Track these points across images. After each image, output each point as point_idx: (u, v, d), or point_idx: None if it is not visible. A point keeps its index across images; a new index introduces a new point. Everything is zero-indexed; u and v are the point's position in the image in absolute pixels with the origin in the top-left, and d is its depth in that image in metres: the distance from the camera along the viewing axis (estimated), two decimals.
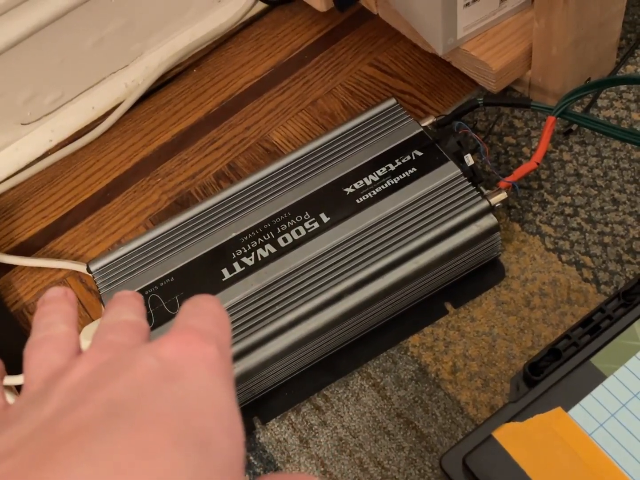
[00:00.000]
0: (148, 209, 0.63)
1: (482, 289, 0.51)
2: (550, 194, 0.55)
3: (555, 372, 0.39)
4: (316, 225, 0.50)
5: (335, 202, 0.51)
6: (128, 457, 0.17)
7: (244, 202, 0.52)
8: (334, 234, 0.49)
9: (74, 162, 0.67)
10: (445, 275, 0.50)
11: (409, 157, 0.52)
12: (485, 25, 0.56)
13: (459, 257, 0.49)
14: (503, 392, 0.47)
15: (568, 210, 0.54)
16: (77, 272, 0.60)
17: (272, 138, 0.65)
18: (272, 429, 0.49)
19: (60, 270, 0.60)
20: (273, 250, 0.49)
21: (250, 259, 0.49)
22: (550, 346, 0.41)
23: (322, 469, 0.46)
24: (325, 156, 0.53)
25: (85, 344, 0.23)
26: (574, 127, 0.57)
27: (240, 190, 0.53)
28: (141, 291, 0.49)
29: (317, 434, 0.48)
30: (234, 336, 0.46)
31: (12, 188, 0.67)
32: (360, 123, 0.55)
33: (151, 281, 0.50)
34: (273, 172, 0.53)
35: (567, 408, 0.37)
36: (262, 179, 0.53)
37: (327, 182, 0.52)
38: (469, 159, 0.51)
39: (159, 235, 0.52)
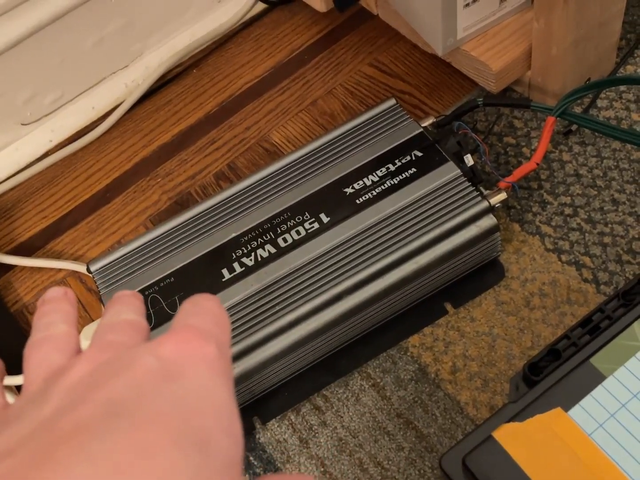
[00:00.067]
0: (148, 209, 0.63)
1: (482, 289, 0.51)
2: (550, 194, 0.55)
3: (555, 372, 0.39)
4: (316, 225, 0.50)
5: (335, 203, 0.51)
6: (128, 456, 0.17)
7: (243, 202, 0.52)
8: (334, 234, 0.49)
9: (74, 163, 0.67)
10: (445, 276, 0.50)
11: (408, 158, 0.52)
12: (485, 25, 0.56)
13: (459, 257, 0.49)
14: (503, 392, 0.47)
15: (568, 211, 0.54)
16: (77, 272, 0.60)
17: (272, 138, 0.65)
18: (272, 429, 0.49)
19: (60, 270, 0.60)
20: (273, 250, 0.49)
21: (250, 259, 0.49)
22: (549, 346, 0.41)
23: (322, 469, 0.46)
24: (325, 156, 0.53)
25: (85, 344, 0.23)
26: (574, 127, 0.57)
27: (240, 191, 0.53)
28: (141, 291, 0.49)
29: (317, 434, 0.48)
30: (234, 336, 0.46)
31: (12, 188, 0.67)
32: (360, 123, 0.55)
33: (151, 281, 0.50)
34: (273, 173, 0.53)
35: (566, 408, 0.37)
36: (262, 179, 0.53)
37: (327, 183, 0.52)
38: (469, 160, 0.51)
39: (159, 236, 0.52)
